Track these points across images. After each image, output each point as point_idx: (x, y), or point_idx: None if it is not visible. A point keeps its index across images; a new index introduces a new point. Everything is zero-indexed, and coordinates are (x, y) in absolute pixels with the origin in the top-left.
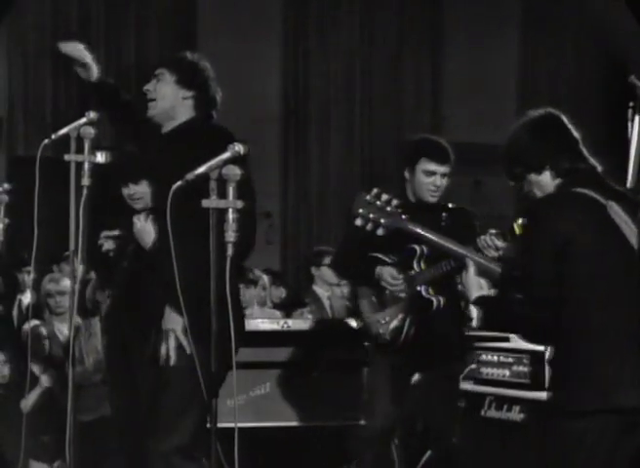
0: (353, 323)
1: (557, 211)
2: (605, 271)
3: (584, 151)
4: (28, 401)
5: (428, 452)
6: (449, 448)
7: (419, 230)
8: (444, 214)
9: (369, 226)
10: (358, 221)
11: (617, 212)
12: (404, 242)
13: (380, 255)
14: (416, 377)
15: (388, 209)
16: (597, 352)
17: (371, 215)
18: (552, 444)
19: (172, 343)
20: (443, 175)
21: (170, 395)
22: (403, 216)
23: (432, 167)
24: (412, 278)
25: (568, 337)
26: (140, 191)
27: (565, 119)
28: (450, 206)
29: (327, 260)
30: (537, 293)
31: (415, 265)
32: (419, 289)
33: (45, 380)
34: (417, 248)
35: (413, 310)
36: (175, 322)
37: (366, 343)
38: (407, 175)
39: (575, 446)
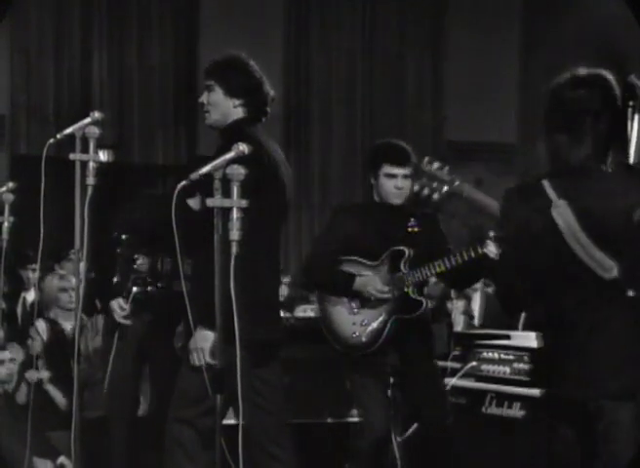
0: None
1: (508, 201)
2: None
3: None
4: (21, 393)
5: (415, 425)
6: (444, 429)
7: (474, 194)
8: (412, 219)
9: (426, 192)
10: (416, 187)
11: (562, 212)
12: (382, 244)
13: (359, 258)
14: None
15: (443, 175)
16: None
17: (428, 182)
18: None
19: (201, 361)
20: (404, 177)
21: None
22: (457, 182)
23: (393, 170)
24: (401, 279)
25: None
26: None
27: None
28: (418, 210)
29: None
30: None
31: (402, 267)
32: (406, 290)
33: (31, 377)
34: (405, 250)
35: (398, 311)
36: (204, 340)
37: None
38: (372, 180)
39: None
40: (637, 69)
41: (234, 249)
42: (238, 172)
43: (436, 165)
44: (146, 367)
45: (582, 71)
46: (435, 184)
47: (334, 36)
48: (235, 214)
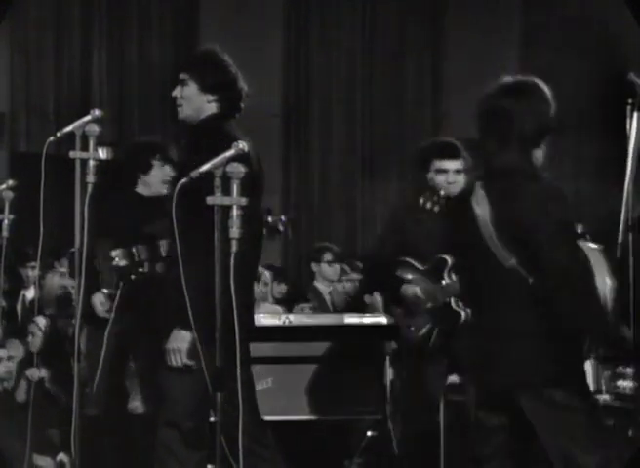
0: (384, 319)
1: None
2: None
3: None
4: (21, 391)
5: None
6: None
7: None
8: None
9: (429, 205)
10: (421, 200)
11: (480, 202)
12: (436, 249)
13: (411, 261)
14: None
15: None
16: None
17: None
18: None
19: (178, 362)
20: (456, 171)
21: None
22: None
23: (443, 164)
24: (442, 289)
25: None
26: None
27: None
28: None
29: (327, 257)
30: None
31: (445, 276)
32: (447, 300)
33: (32, 375)
34: (447, 259)
35: (441, 321)
36: (182, 340)
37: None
38: (424, 180)
39: None
40: (637, 68)
41: (234, 247)
42: (238, 170)
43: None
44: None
45: (509, 79)
46: (436, 198)
47: (334, 36)
48: (235, 211)
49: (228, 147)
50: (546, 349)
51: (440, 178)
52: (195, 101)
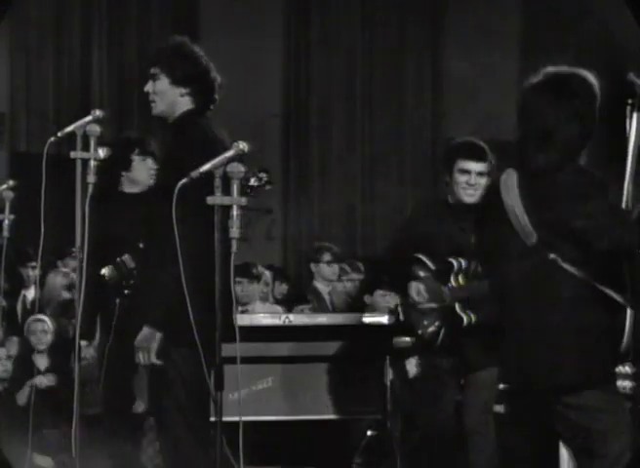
0: (384, 319)
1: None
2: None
3: None
4: (22, 395)
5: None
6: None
7: None
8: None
9: None
10: None
11: (508, 179)
12: (447, 247)
13: (423, 258)
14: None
15: None
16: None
17: None
18: None
19: (146, 360)
20: (479, 174)
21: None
22: None
23: (466, 165)
24: (448, 292)
25: None
26: None
27: None
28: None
29: (326, 257)
30: None
31: (452, 279)
32: (453, 303)
33: (40, 382)
34: (454, 262)
35: (446, 322)
36: (151, 339)
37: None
38: (447, 178)
39: None
40: (636, 68)
41: (234, 247)
42: (238, 169)
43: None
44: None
45: (552, 70)
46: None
47: (333, 36)
48: (235, 211)
49: (206, 144)
50: (585, 350)
51: (462, 179)
52: (168, 96)
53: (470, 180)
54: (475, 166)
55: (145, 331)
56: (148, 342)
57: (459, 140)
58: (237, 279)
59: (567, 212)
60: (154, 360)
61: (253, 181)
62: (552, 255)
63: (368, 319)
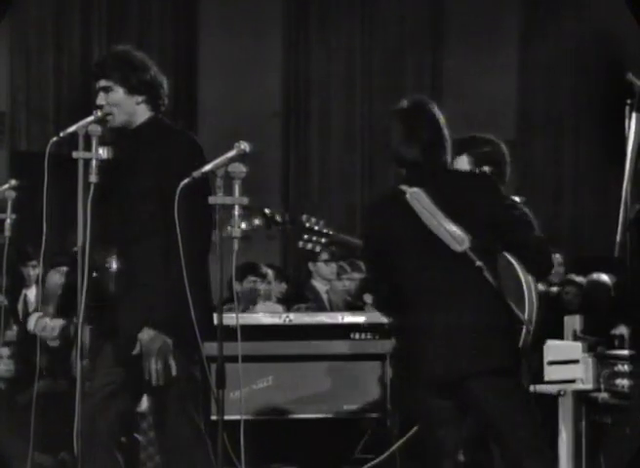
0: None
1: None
2: (413, 256)
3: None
4: (24, 397)
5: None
6: None
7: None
8: None
9: (309, 246)
10: (300, 244)
11: (417, 196)
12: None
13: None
14: None
15: (321, 229)
16: (413, 333)
17: (310, 237)
18: None
19: (160, 365)
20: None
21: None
22: (331, 232)
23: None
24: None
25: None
26: None
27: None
28: None
29: (323, 256)
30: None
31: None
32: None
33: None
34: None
35: None
36: (154, 341)
37: None
38: None
39: None
40: (636, 68)
41: (235, 246)
42: (240, 170)
43: (313, 220)
44: None
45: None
46: (315, 238)
47: (333, 36)
48: (237, 211)
49: (180, 140)
50: (492, 341)
51: None
52: (125, 106)
53: None
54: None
55: (147, 332)
56: (160, 347)
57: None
58: (251, 278)
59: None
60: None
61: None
62: (479, 263)
63: (367, 318)
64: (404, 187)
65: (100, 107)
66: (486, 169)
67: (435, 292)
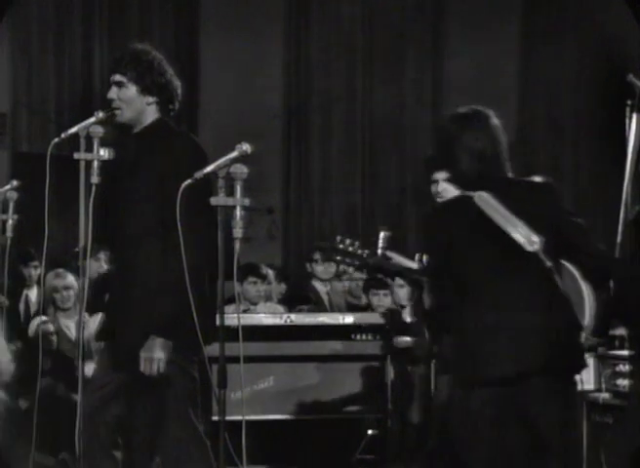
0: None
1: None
2: (482, 257)
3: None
4: (27, 399)
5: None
6: None
7: (381, 263)
8: None
9: (341, 267)
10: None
11: (485, 199)
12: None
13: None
14: None
15: (351, 249)
16: (476, 331)
17: (342, 259)
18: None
19: (154, 370)
20: (447, 180)
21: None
22: (365, 253)
23: (434, 175)
24: None
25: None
26: None
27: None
28: None
29: (316, 256)
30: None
31: None
32: None
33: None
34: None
35: None
36: (162, 348)
37: None
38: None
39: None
40: (636, 68)
41: (237, 246)
42: (241, 170)
43: (347, 241)
44: None
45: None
46: (348, 260)
47: (333, 33)
48: (238, 212)
49: (184, 144)
50: (557, 344)
51: (433, 189)
52: (136, 104)
53: (437, 189)
54: (440, 175)
55: (155, 340)
56: (160, 353)
57: (428, 154)
58: (252, 279)
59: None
60: (162, 369)
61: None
62: (549, 264)
63: (368, 318)
64: (467, 193)
65: (111, 101)
66: None
67: (502, 292)
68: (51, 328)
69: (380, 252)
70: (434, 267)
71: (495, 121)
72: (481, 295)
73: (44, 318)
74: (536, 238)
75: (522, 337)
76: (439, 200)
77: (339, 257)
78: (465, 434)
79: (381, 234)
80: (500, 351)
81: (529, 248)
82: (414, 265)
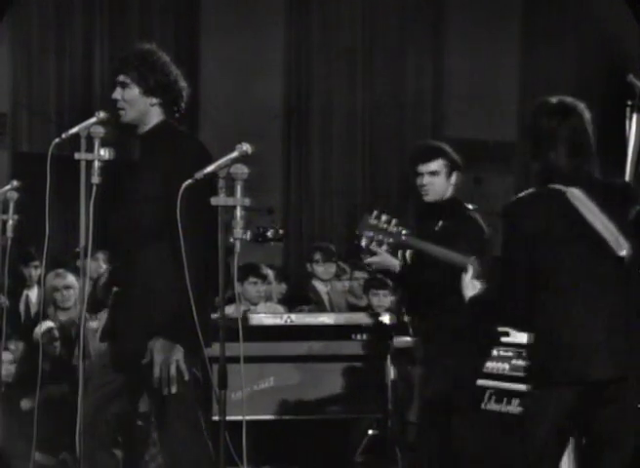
0: (385, 318)
1: (521, 209)
2: (571, 254)
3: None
4: (26, 402)
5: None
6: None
7: (418, 244)
8: (440, 220)
9: (373, 245)
10: (363, 242)
11: (577, 196)
12: None
13: None
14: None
15: (389, 228)
16: (567, 329)
17: (373, 235)
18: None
19: (173, 372)
20: (431, 174)
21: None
22: (403, 233)
23: (418, 168)
24: None
25: (545, 319)
26: None
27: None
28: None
29: (316, 256)
30: (512, 282)
31: None
32: None
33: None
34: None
35: None
36: (178, 350)
37: None
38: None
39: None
40: (636, 68)
41: (237, 247)
42: (242, 171)
43: (384, 218)
44: None
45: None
46: (381, 236)
47: (334, 34)
48: (239, 212)
49: (189, 145)
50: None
51: (417, 182)
52: (139, 105)
53: (422, 181)
54: (424, 167)
55: (166, 343)
56: (177, 355)
57: (413, 146)
58: (252, 279)
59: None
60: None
61: (270, 234)
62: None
63: (369, 318)
64: (558, 187)
65: (115, 102)
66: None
67: (587, 292)
68: (56, 334)
69: (364, 242)
70: (513, 258)
71: (587, 114)
72: (569, 293)
73: (50, 324)
74: (624, 242)
75: (614, 340)
76: (426, 194)
77: (371, 233)
78: (538, 434)
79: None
80: (585, 353)
81: (620, 252)
82: (396, 265)
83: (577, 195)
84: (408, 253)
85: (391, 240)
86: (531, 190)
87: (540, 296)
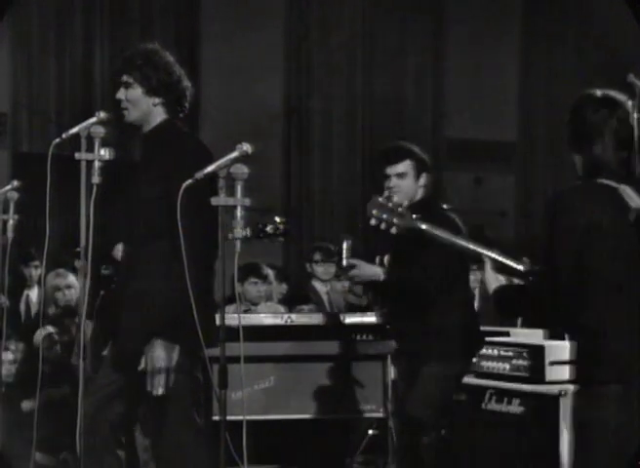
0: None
1: (571, 203)
2: (623, 253)
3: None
4: (27, 403)
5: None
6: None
7: (430, 229)
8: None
9: (382, 226)
10: (372, 222)
11: (630, 194)
12: None
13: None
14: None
15: (399, 210)
16: (615, 330)
17: (384, 216)
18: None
19: (163, 380)
20: (399, 176)
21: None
22: (414, 216)
23: (385, 170)
24: None
25: (590, 318)
26: None
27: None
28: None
29: (316, 256)
30: (558, 279)
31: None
32: None
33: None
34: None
35: None
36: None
37: None
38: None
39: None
40: (636, 68)
41: (238, 247)
42: (242, 170)
43: (395, 199)
44: None
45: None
46: (390, 217)
47: (334, 33)
48: (239, 212)
49: (190, 145)
50: None
51: (385, 184)
52: (142, 105)
53: (389, 184)
54: (391, 169)
55: (160, 347)
56: (166, 363)
57: (380, 148)
58: (252, 279)
59: None
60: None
61: (270, 229)
62: None
63: (369, 318)
64: (607, 182)
65: (119, 102)
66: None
67: (633, 293)
68: (56, 338)
69: (344, 261)
70: (560, 254)
71: (630, 108)
72: (610, 295)
73: (50, 329)
74: None
75: None
76: (397, 200)
77: (381, 213)
78: (589, 434)
79: (344, 243)
80: (630, 355)
81: None
82: (380, 273)
83: (628, 192)
84: (386, 258)
85: (401, 222)
86: (577, 184)
87: (589, 294)
